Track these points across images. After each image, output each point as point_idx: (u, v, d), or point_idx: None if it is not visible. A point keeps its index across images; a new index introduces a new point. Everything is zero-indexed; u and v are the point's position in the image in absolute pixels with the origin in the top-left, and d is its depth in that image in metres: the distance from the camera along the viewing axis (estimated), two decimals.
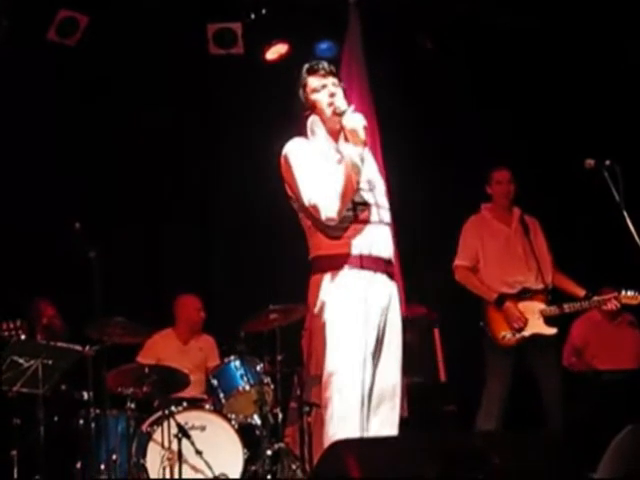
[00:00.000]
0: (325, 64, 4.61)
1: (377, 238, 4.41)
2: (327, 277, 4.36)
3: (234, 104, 8.31)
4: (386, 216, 4.49)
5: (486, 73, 8.14)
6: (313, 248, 4.46)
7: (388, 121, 7.33)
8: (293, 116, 4.70)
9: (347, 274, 4.34)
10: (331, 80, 4.57)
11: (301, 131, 4.59)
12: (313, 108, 4.56)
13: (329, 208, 4.30)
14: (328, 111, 4.50)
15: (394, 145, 7.15)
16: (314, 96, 4.55)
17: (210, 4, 7.89)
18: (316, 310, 4.38)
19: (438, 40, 8.15)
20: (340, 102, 4.51)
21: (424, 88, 8.21)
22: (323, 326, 4.35)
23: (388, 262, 4.45)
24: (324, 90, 4.54)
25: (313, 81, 4.57)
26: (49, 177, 7.71)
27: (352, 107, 4.47)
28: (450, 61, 8.19)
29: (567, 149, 7.50)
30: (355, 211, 4.37)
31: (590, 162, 5.41)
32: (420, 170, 7.84)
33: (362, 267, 4.35)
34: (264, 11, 7.89)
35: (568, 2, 7.63)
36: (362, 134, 4.35)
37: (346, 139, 4.50)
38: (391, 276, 4.48)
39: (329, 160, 4.42)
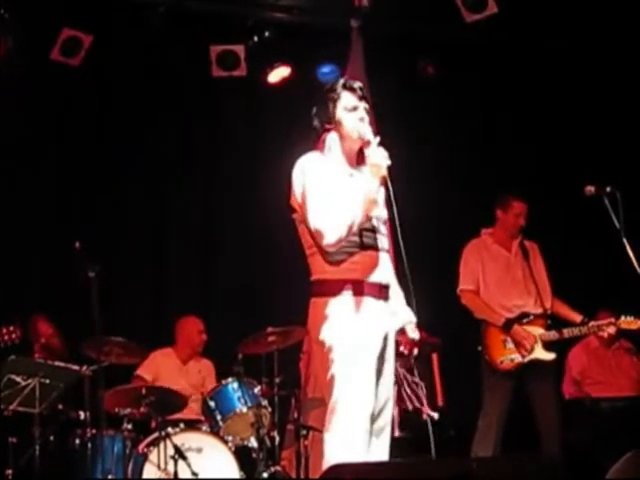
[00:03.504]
0: (362, 86, 4.52)
1: (379, 264, 4.39)
2: (330, 301, 4.30)
3: (236, 126, 8.33)
4: (386, 243, 4.47)
5: (489, 98, 8.16)
6: (315, 271, 4.40)
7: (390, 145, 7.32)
8: (304, 126, 4.57)
9: (350, 299, 4.30)
10: (363, 104, 4.48)
11: (313, 143, 4.50)
12: (336, 124, 4.46)
13: (332, 237, 4.25)
14: (354, 134, 4.43)
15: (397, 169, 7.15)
16: (343, 114, 4.45)
17: (213, 26, 7.92)
18: (318, 334, 4.32)
19: (440, 64, 8.18)
20: (366, 130, 4.42)
21: (426, 111, 8.24)
22: (326, 352, 4.28)
23: (387, 288, 4.44)
24: (355, 112, 4.45)
25: (348, 98, 4.46)
26: (50, 195, 7.72)
27: (378, 139, 4.39)
28: (451, 84, 8.21)
29: (568, 175, 7.51)
30: (361, 237, 4.34)
31: (590, 189, 5.42)
32: (419, 194, 7.82)
33: (364, 293, 4.31)
34: (267, 34, 7.92)
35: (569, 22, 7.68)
36: (384, 171, 4.30)
37: (357, 161, 4.50)
38: (388, 301, 4.46)
39: (342, 182, 4.35)
